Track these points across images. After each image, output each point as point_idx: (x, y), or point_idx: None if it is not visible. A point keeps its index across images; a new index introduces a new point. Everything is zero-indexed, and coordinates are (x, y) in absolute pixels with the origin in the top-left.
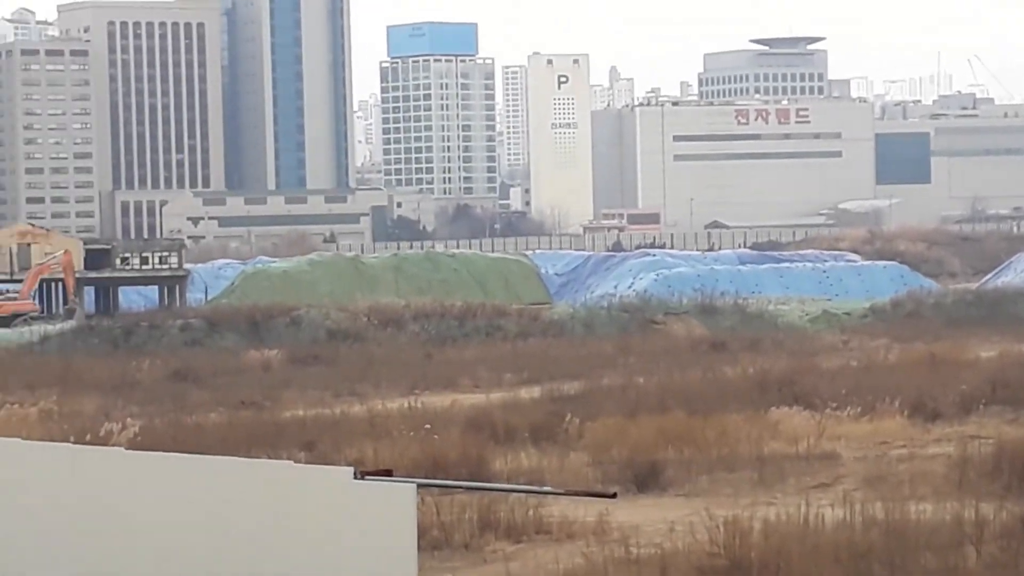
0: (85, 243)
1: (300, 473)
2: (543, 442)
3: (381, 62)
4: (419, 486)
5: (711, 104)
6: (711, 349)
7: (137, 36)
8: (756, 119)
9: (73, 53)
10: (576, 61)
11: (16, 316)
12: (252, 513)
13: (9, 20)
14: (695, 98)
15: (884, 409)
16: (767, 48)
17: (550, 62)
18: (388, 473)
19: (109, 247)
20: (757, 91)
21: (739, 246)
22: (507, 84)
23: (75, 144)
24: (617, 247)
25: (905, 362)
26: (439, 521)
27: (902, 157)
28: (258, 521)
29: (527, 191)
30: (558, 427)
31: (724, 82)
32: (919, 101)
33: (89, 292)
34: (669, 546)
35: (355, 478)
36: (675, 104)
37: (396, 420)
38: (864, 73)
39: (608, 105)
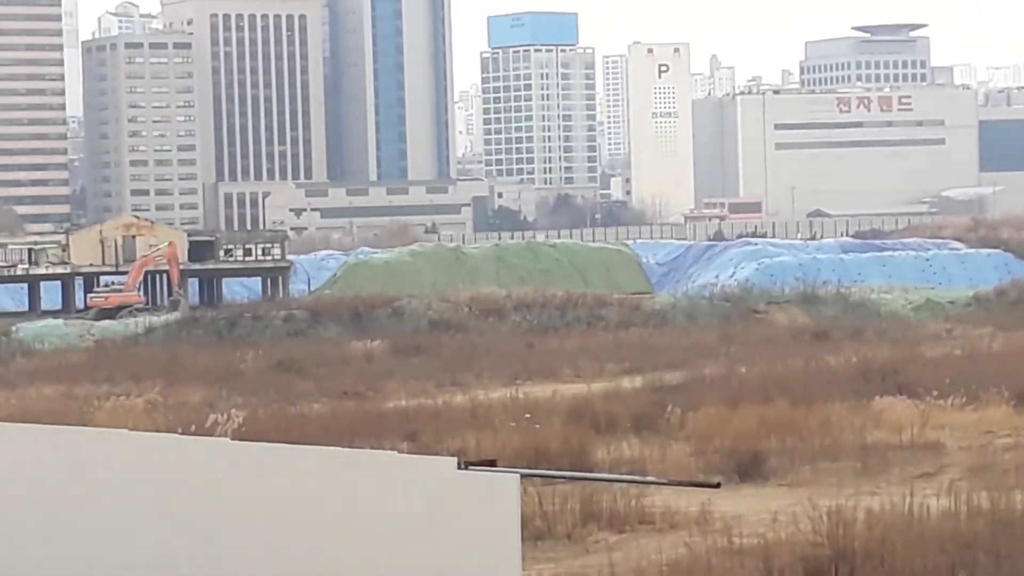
0: (189, 235)
1: (403, 463)
2: (645, 432)
3: (482, 52)
4: (522, 476)
5: (813, 92)
6: (813, 338)
7: (240, 28)
8: (858, 107)
9: (176, 46)
10: (677, 50)
11: (122, 308)
12: (355, 503)
13: (113, 14)
14: (796, 86)
15: (989, 398)
16: (869, 35)
17: (651, 51)
18: (492, 463)
19: (213, 239)
20: (859, 79)
21: (841, 235)
22: (607, 74)
23: (179, 136)
24: (718, 236)
25: (1009, 351)
26: (542, 511)
27: (1006, 144)
28: (361, 512)
29: (628, 180)
30: (660, 417)
31: (826, 70)
32: None
33: (193, 283)
34: (772, 536)
35: (459, 468)
36: (776, 92)
37: (498, 410)
38: (967, 60)
39: (709, 94)
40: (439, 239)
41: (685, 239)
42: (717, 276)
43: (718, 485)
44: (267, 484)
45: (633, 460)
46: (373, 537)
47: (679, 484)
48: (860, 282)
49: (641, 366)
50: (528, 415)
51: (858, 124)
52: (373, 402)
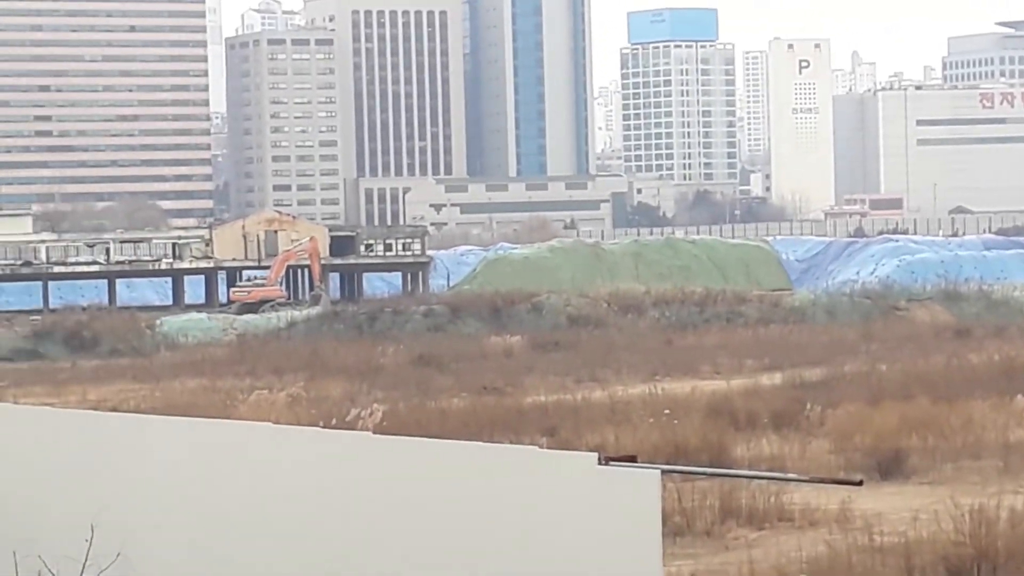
0: (330, 230)
1: (544, 458)
2: (784, 429)
3: (622, 48)
4: (662, 472)
5: (955, 88)
6: (955, 336)
7: (381, 24)
8: (1001, 103)
9: (318, 42)
10: (817, 46)
11: (264, 302)
12: (496, 498)
13: (256, 10)
14: (939, 82)
15: None
16: (1013, 31)
17: (791, 47)
18: (632, 459)
19: (353, 234)
20: (1002, 74)
21: (984, 231)
22: (747, 69)
23: (320, 132)
24: (859, 233)
25: None
26: (681, 507)
27: None
28: (502, 506)
29: (767, 176)
30: (799, 414)
31: (969, 65)
32: None
33: (334, 278)
34: (913, 535)
35: (599, 464)
36: (918, 88)
37: (637, 406)
38: None
39: (850, 90)
40: (578, 235)
41: (825, 236)
42: (858, 273)
43: (860, 483)
44: (409, 478)
45: (772, 457)
46: (514, 532)
47: (821, 481)
48: (1003, 279)
49: (781, 363)
50: (667, 411)
51: (1001, 120)
52: (512, 397)
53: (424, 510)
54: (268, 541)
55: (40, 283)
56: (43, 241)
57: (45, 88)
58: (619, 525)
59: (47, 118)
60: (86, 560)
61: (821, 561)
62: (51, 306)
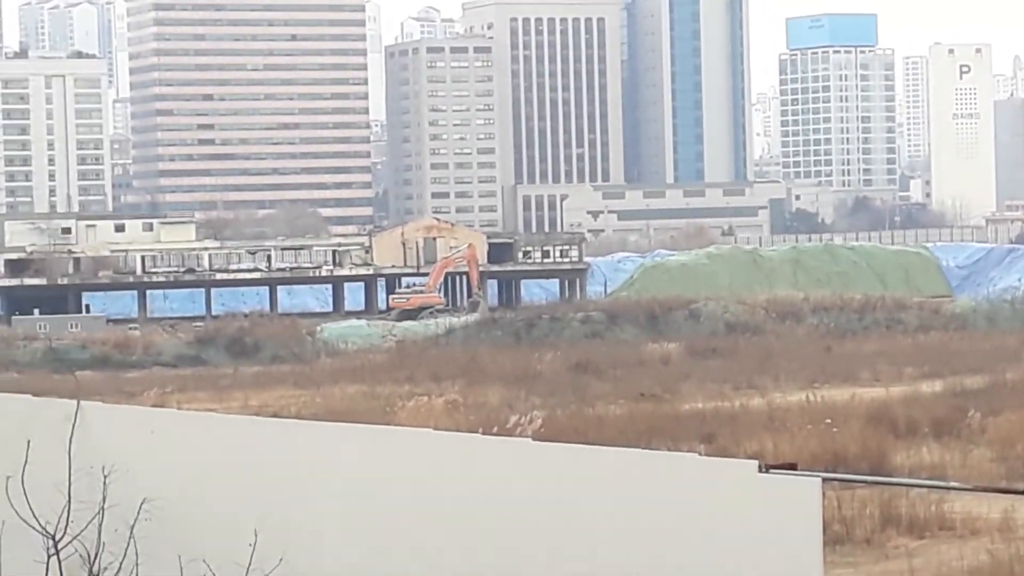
0: (488, 237)
1: (704, 466)
2: (945, 437)
3: (780, 54)
4: (822, 480)
5: None
6: None
7: (539, 32)
8: None
9: (477, 50)
10: (978, 51)
11: (422, 309)
12: (656, 506)
13: (416, 19)
14: None
15: None
16: None
17: (951, 52)
18: (792, 467)
19: (511, 241)
20: None
21: None
22: (907, 75)
23: (478, 139)
24: (1021, 239)
25: None
26: (840, 515)
27: None
28: (661, 514)
29: (927, 182)
30: (960, 422)
31: None
32: None
33: (492, 285)
34: None
35: (759, 471)
36: None
37: (795, 413)
38: None
39: (1012, 95)
40: (736, 241)
41: (986, 242)
42: (1019, 280)
43: None
44: (568, 485)
45: (933, 465)
46: (673, 540)
47: (984, 490)
48: None
49: (941, 370)
50: (828, 420)
51: None
52: (669, 404)
53: (583, 518)
54: (428, 548)
55: (203, 290)
56: (206, 248)
57: (208, 97)
58: (779, 534)
59: (210, 127)
60: (250, 564)
61: (983, 571)
62: (213, 313)
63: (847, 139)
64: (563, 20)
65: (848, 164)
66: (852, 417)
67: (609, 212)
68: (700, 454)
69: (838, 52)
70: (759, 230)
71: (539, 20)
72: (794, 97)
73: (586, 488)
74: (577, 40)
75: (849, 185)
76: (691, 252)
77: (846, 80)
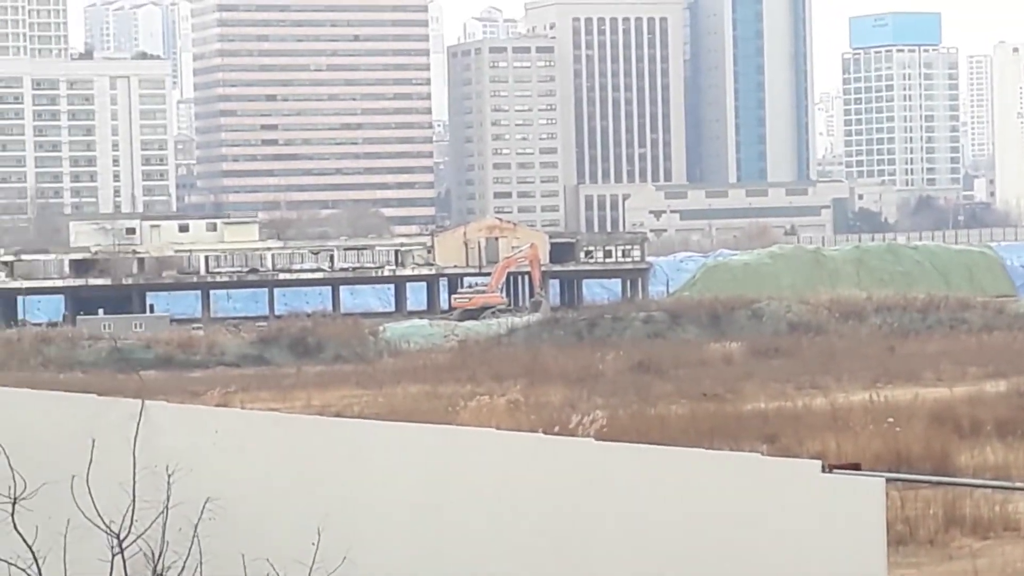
0: (550, 237)
1: (767, 465)
2: (1009, 437)
3: (843, 53)
4: (886, 480)
5: None
6: None
7: (601, 32)
8: None
9: (539, 50)
10: None
11: (484, 308)
12: (719, 506)
13: (478, 19)
14: None
15: None
16: None
17: (1016, 50)
18: (856, 467)
19: (573, 240)
20: None
21: None
22: (971, 74)
23: (541, 139)
24: None
25: None
26: (903, 516)
27: None
28: (724, 514)
29: (991, 182)
30: None
31: None
32: None
33: (554, 285)
34: None
35: (822, 471)
36: None
37: (858, 413)
38: None
39: None
40: (799, 241)
41: None
42: None
43: None
44: (631, 485)
45: (997, 466)
46: (736, 540)
47: None
48: None
49: (1005, 370)
50: (890, 419)
51: None
52: (732, 404)
53: (646, 518)
54: (490, 547)
55: (266, 290)
56: (269, 248)
57: (271, 98)
58: (843, 534)
59: (273, 127)
60: (313, 564)
61: None
62: (276, 312)
63: (910, 138)
64: (625, 20)
65: (911, 163)
66: (915, 417)
67: (671, 212)
68: (763, 454)
69: (902, 51)
70: (822, 230)
71: (601, 20)
72: (857, 96)
73: (649, 488)
74: (640, 40)
75: (912, 184)
76: (754, 252)
77: (910, 79)
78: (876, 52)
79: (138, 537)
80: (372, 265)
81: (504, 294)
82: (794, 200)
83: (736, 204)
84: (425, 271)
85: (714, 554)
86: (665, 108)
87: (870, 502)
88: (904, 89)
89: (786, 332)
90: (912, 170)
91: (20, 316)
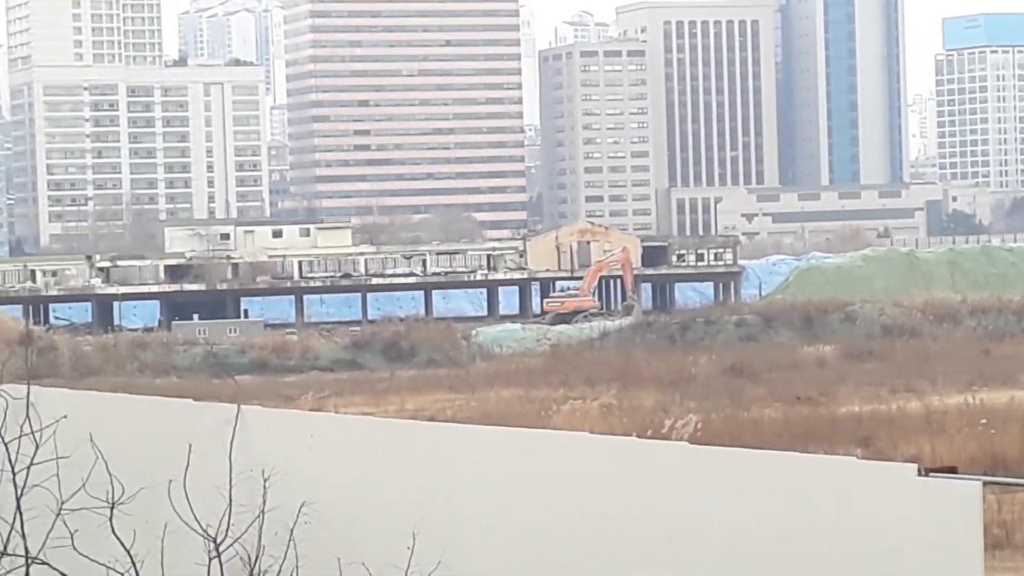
0: (642, 240)
1: (862, 469)
2: None
3: (936, 55)
4: (983, 484)
5: None
6: None
7: (692, 35)
8: None
9: (630, 53)
10: None
11: (577, 312)
12: (814, 510)
13: (569, 23)
14: None
15: None
16: None
17: None
18: (952, 470)
19: (665, 244)
20: None
21: None
22: None
23: (632, 143)
24: None
25: None
26: (1000, 519)
27: None
28: (819, 518)
29: None
30: None
31: None
32: None
33: (646, 288)
34: None
35: (918, 475)
36: None
37: (953, 416)
38: None
39: None
40: (892, 243)
41: None
42: None
43: None
44: (726, 489)
45: None
46: (832, 545)
47: None
48: None
49: None
50: (984, 421)
51: None
52: (826, 407)
53: (741, 522)
54: (586, 552)
55: (359, 294)
56: (362, 253)
57: (364, 103)
58: (939, 538)
59: (366, 132)
60: (408, 567)
61: None
62: (369, 317)
63: (1004, 139)
64: (717, 23)
65: (1006, 165)
66: (1011, 420)
67: (764, 215)
68: (857, 458)
69: (995, 52)
70: (915, 232)
71: (692, 23)
72: (950, 98)
73: (744, 492)
74: (731, 43)
75: (1007, 186)
76: (847, 254)
77: (1003, 80)
78: (969, 53)
79: (235, 541)
80: (464, 269)
81: (596, 298)
82: (887, 202)
83: (829, 207)
84: (517, 275)
85: (810, 558)
86: (757, 111)
87: (967, 506)
88: (998, 90)
89: (880, 335)
90: (1006, 171)
91: (116, 322)
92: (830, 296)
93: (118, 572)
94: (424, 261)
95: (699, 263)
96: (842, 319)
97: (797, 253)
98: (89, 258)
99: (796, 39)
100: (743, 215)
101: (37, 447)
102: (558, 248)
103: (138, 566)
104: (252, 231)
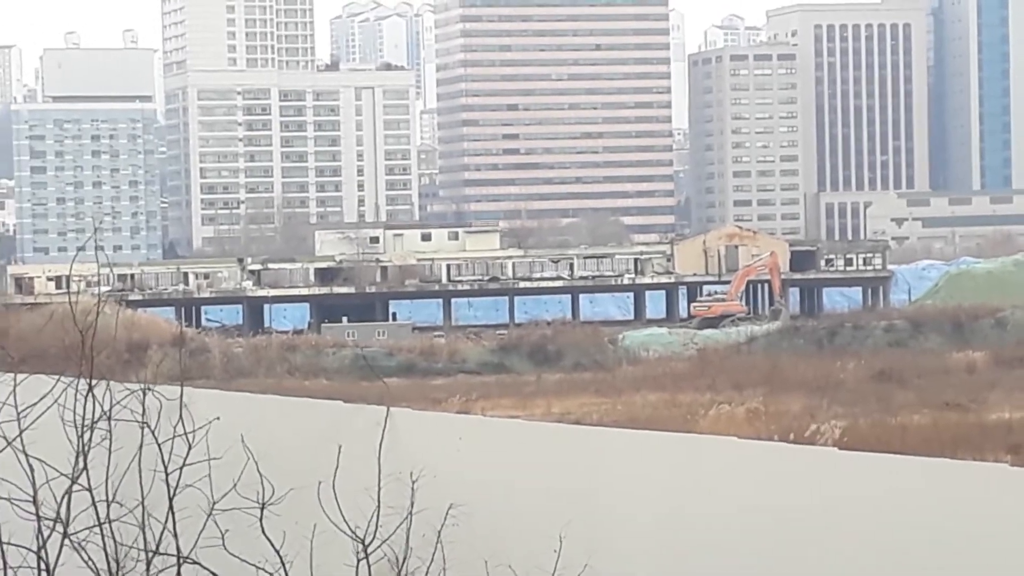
0: (790, 244)
1: (1015, 477)
2: None
3: None
4: None
5: None
6: None
7: (843, 39)
8: None
9: (780, 57)
10: None
11: (724, 317)
12: (964, 518)
13: (719, 27)
14: None
15: None
16: None
17: None
18: None
19: (814, 248)
20: None
21: None
22: None
23: (781, 147)
24: None
25: None
26: None
27: None
28: (969, 527)
29: None
30: None
31: None
32: None
33: (794, 293)
34: None
35: None
36: None
37: None
38: None
39: None
40: None
41: None
42: None
43: None
44: (873, 497)
45: None
46: (979, 554)
47: None
48: None
49: None
50: None
51: None
52: (975, 414)
53: (888, 530)
54: (731, 558)
55: (506, 298)
56: (510, 257)
57: (513, 107)
58: None
59: (515, 136)
60: (555, 571)
61: None
62: (517, 320)
63: None
64: (868, 26)
65: None
66: None
67: (914, 219)
68: (1008, 465)
69: None
70: None
71: (843, 27)
72: None
73: (892, 500)
74: (882, 46)
75: None
76: (998, 260)
77: None
78: None
79: (383, 543)
80: (611, 273)
81: (744, 302)
82: None
83: (980, 211)
84: (664, 279)
85: (958, 569)
86: (908, 115)
87: None
88: None
89: None
90: None
91: (266, 324)
92: (980, 302)
93: (267, 572)
94: (571, 265)
95: (848, 268)
96: (992, 325)
97: (947, 258)
98: (240, 261)
99: (948, 42)
100: (893, 220)
101: (190, 448)
102: (705, 252)
103: (287, 567)
104: (401, 234)
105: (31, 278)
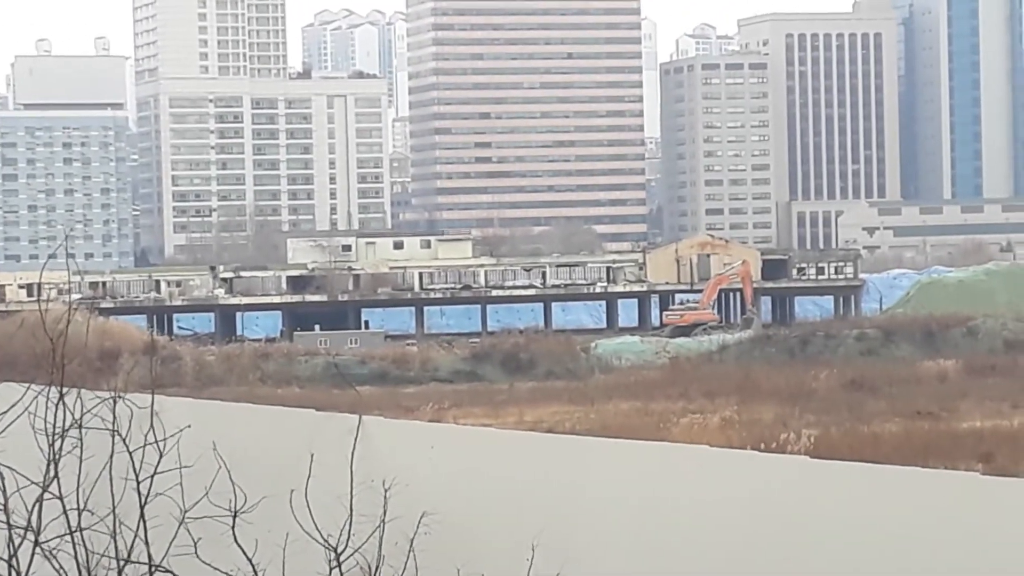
0: (762, 253)
1: (985, 486)
2: None
3: None
4: None
5: None
6: None
7: (815, 48)
8: None
9: (752, 66)
10: None
11: (696, 325)
12: (936, 527)
13: (691, 36)
14: None
15: None
16: None
17: None
18: None
19: (785, 257)
20: None
21: None
22: None
23: (753, 156)
24: None
25: None
26: None
27: None
28: (941, 535)
29: None
30: None
31: None
32: None
33: (766, 302)
34: None
35: None
36: None
37: None
38: None
39: None
40: (1015, 258)
41: None
42: None
43: None
44: (845, 505)
45: None
46: (953, 562)
47: None
48: None
49: None
50: None
51: None
52: (947, 422)
53: (861, 538)
54: (703, 565)
55: (479, 306)
56: (482, 265)
57: (485, 116)
58: None
59: (487, 144)
60: None
61: None
62: (489, 329)
63: None
64: (839, 36)
65: None
66: None
67: (885, 228)
68: (979, 473)
69: None
70: None
71: (815, 36)
72: None
73: (864, 508)
74: (854, 55)
75: None
76: (969, 269)
77: None
78: None
79: (355, 551)
80: (584, 282)
81: (716, 311)
82: (1010, 216)
83: (951, 220)
84: (637, 288)
85: (925, 574)
86: (879, 124)
87: None
88: None
89: (1002, 350)
90: None
91: (239, 332)
92: (952, 310)
93: None
94: (544, 273)
95: (819, 276)
96: (964, 334)
97: (919, 267)
98: (213, 269)
99: (919, 52)
100: (864, 228)
101: (161, 456)
102: (678, 261)
103: (260, 574)
104: (373, 243)
105: (2, 286)
